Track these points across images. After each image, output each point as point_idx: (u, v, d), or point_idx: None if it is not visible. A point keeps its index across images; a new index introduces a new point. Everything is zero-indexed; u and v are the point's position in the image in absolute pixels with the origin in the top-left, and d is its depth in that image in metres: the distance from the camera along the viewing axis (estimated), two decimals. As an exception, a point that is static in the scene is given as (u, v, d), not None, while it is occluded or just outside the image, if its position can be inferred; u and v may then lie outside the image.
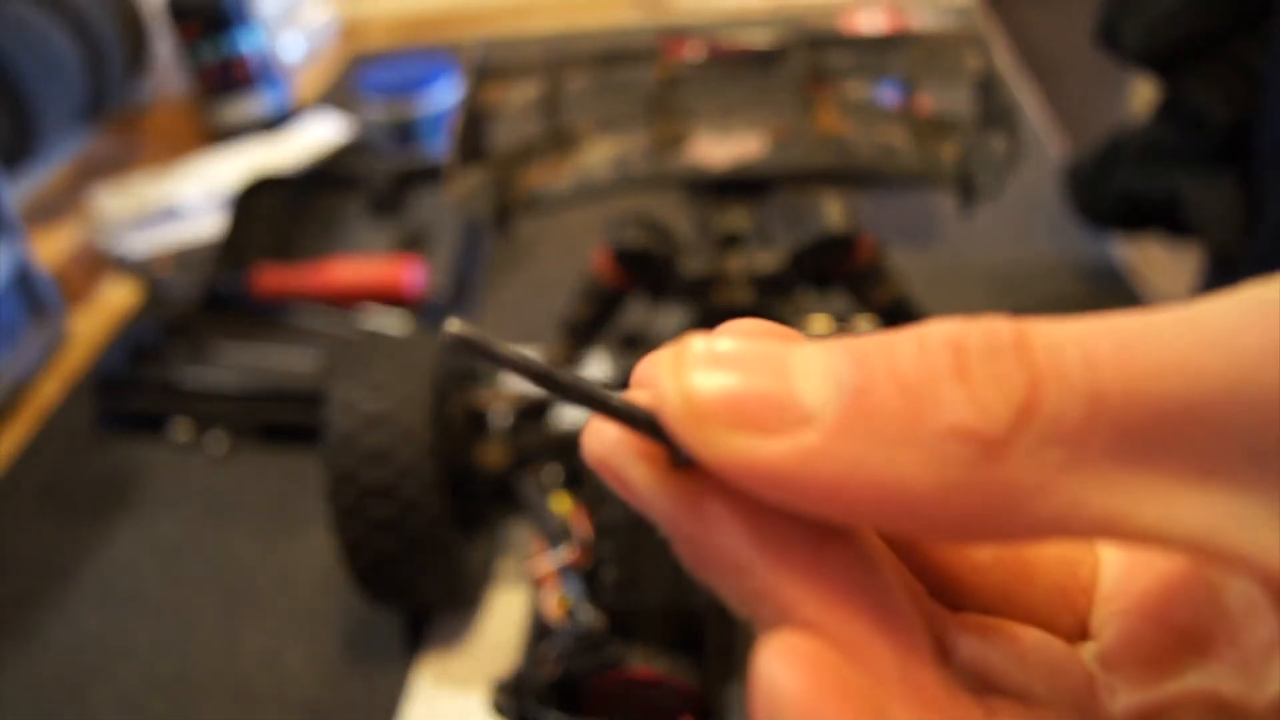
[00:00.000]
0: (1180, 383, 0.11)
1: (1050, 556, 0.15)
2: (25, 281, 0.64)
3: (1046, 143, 0.74)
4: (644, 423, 0.12)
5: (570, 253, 0.70)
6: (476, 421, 0.46)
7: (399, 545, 0.38)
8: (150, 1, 0.88)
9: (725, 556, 0.13)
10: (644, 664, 0.29)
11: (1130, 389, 0.11)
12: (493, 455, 0.42)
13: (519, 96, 0.45)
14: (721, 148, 0.42)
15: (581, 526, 0.32)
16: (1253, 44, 0.42)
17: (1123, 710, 0.13)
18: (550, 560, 0.31)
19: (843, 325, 0.36)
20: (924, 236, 0.66)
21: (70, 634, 0.47)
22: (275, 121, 0.90)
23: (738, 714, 0.29)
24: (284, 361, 0.61)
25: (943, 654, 0.13)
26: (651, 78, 0.44)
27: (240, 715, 0.42)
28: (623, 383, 0.38)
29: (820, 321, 0.37)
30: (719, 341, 0.12)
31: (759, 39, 0.44)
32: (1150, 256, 0.68)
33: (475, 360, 0.32)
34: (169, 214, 0.79)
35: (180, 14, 0.84)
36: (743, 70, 0.44)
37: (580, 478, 0.41)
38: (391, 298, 0.64)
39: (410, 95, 0.81)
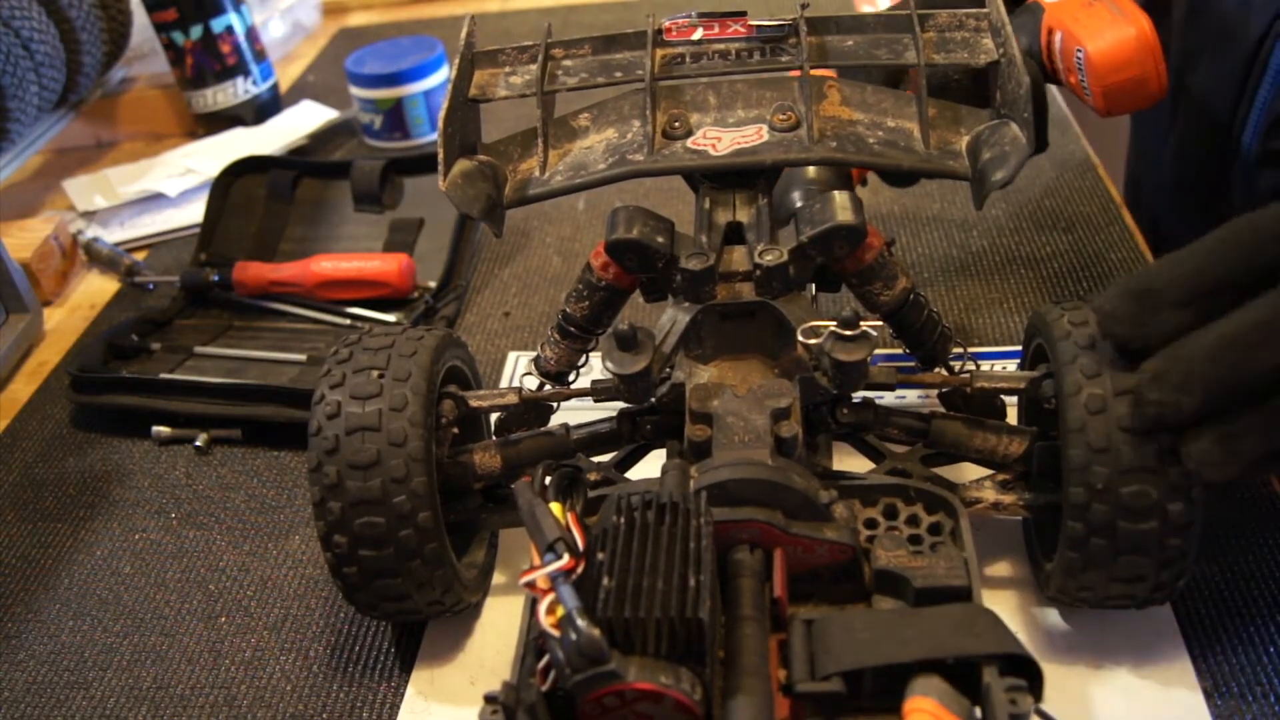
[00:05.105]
0: None
1: None
2: (-3, 274, 0.62)
3: (1070, 127, 0.73)
4: None
5: (566, 245, 0.68)
6: (469, 425, 0.44)
7: (389, 558, 0.36)
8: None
9: None
10: (642, 676, 0.28)
11: None
12: (486, 460, 0.41)
13: (511, 83, 0.43)
14: (723, 136, 0.41)
15: (577, 534, 0.31)
16: None
17: None
18: (545, 569, 0.30)
19: (847, 327, 0.35)
20: (947, 220, 0.65)
21: (47, 642, 0.45)
22: (259, 106, 0.88)
23: None
24: (267, 358, 0.59)
25: None
26: (650, 62, 0.42)
27: (223, 728, 0.41)
28: (617, 389, 0.37)
29: (824, 323, 0.35)
30: None
31: (763, 20, 0.42)
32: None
33: None
34: (148, 203, 0.77)
35: (159, -4, 0.81)
36: (746, 54, 0.42)
37: (576, 484, 0.40)
38: (380, 293, 0.62)
39: (399, 81, 0.79)
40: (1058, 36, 0.44)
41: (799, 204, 0.47)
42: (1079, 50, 0.43)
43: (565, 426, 0.42)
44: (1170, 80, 0.44)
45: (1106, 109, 0.44)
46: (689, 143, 0.41)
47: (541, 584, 0.30)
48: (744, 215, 0.40)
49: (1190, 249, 0.33)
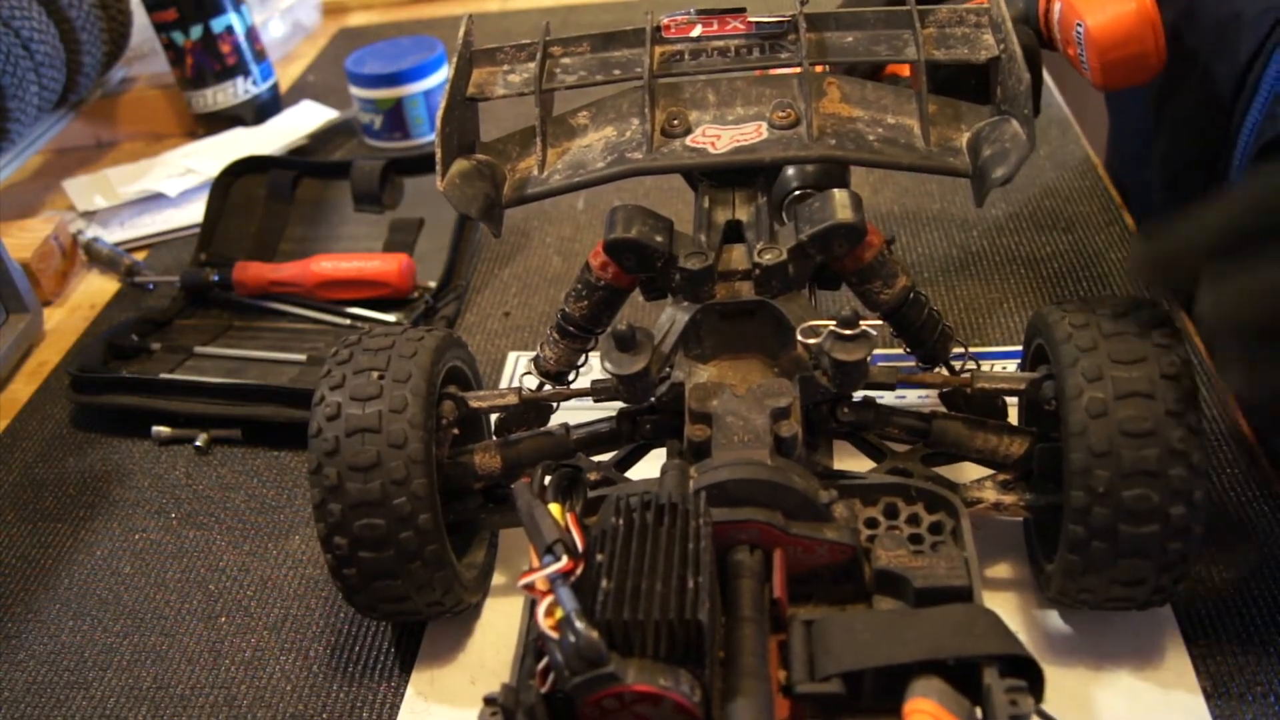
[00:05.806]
0: None
1: None
2: (-3, 275, 0.62)
3: (1070, 128, 0.72)
4: None
5: (566, 245, 0.68)
6: (469, 425, 0.44)
7: (389, 560, 0.36)
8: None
9: None
10: (640, 678, 0.28)
11: None
12: (486, 460, 0.41)
13: (509, 81, 0.43)
14: (722, 134, 0.40)
15: (576, 535, 0.31)
16: None
17: None
18: (544, 571, 0.30)
19: (847, 326, 0.34)
20: (947, 220, 0.64)
21: (47, 642, 0.45)
22: (259, 106, 0.87)
23: None
24: (267, 358, 0.59)
25: None
26: (648, 60, 0.42)
27: (223, 729, 0.41)
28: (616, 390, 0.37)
29: (824, 322, 0.35)
30: None
31: (762, 16, 0.42)
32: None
33: None
34: (148, 203, 0.77)
35: (158, -4, 0.81)
36: (745, 51, 0.42)
37: (576, 484, 0.40)
38: (380, 293, 0.62)
39: (399, 81, 0.79)
40: (1057, 6, 0.44)
41: (794, 182, 0.47)
42: (1079, 24, 0.42)
43: (565, 426, 0.42)
44: (1158, 83, 0.43)
45: (1104, 83, 0.43)
46: (688, 141, 0.41)
47: (540, 586, 0.29)
48: (743, 214, 0.40)
49: (1224, 197, 0.31)
